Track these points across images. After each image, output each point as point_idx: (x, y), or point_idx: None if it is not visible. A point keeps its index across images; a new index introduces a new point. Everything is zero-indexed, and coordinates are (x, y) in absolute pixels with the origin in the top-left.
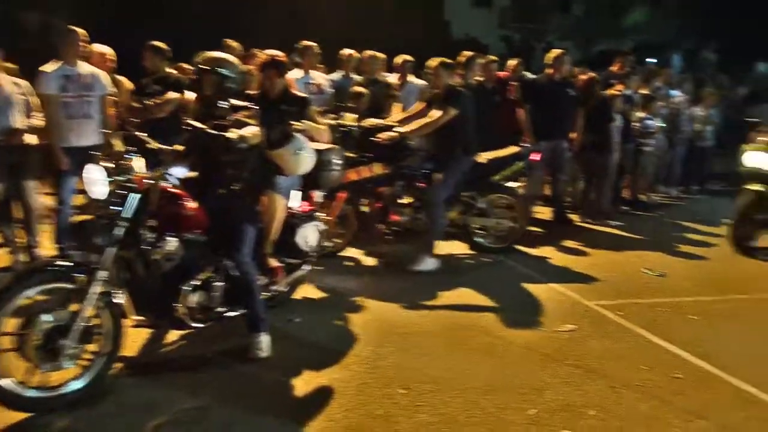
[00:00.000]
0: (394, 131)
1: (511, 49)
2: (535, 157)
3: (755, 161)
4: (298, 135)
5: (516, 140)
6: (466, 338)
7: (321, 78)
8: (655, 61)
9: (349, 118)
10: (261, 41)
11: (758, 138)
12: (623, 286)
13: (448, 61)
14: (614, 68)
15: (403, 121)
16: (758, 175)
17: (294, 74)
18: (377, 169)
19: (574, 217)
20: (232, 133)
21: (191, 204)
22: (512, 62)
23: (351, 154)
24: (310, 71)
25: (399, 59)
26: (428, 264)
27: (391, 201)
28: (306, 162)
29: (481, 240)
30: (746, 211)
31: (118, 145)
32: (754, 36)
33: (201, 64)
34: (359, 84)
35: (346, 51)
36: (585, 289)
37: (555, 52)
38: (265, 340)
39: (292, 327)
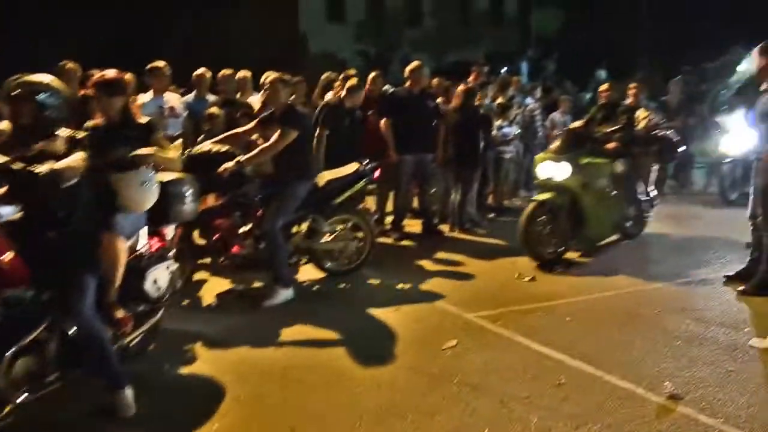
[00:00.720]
0: (235, 161)
1: (368, 63)
2: (377, 174)
3: (547, 172)
4: (142, 165)
5: (381, 155)
6: (349, 368)
7: (174, 100)
8: (504, 69)
9: (177, 146)
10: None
11: (550, 147)
12: (499, 295)
13: (286, 77)
14: (471, 79)
15: (227, 139)
16: (551, 186)
17: (145, 97)
18: (211, 200)
19: (444, 228)
20: (45, 167)
21: (6, 254)
22: (371, 75)
23: None
24: (164, 94)
25: (266, 78)
26: (283, 295)
27: (230, 233)
28: (151, 196)
29: (330, 264)
30: (530, 224)
31: None
32: (592, 45)
33: (13, 90)
34: (214, 105)
35: (200, 70)
36: (462, 301)
37: (413, 64)
38: (128, 395)
39: (158, 377)
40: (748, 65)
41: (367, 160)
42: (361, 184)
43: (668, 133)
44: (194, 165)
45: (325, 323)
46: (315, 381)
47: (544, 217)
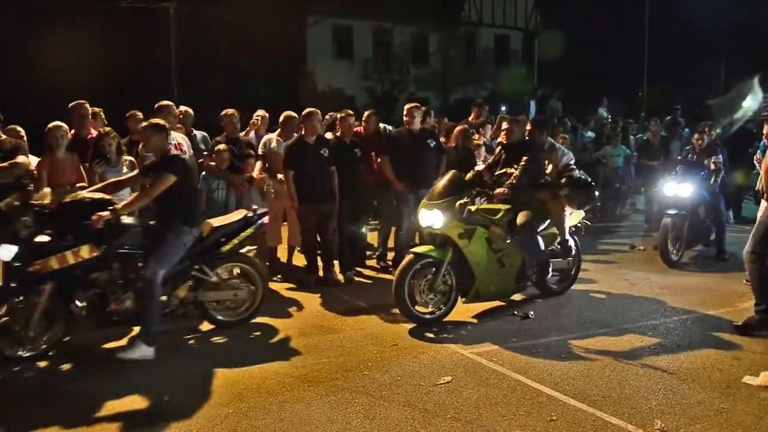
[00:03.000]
0: (108, 210)
1: (375, 100)
2: (266, 220)
3: (425, 221)
4: None
5: (383, 189)
6: (346, 401)
7: (180, 138)
8: (504, 108)
9: (45, 194)
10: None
11: (431, 191)
12: (495, 331)
13: (159, 122)
14: (471, 118)
15: (108, 187)
16: (433, 237)
17: None
18: (85, 252)
19: None
20: None
21: None
22: (365, 114)
23: (46, 237)
24: (171, 132)
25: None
26: (142, 351)
27: (108, 287)
28: None
29: (221, 316)
30: (404, 278)
31: None
32: (592, 84)
33: None
34: (220, 142)
35: (183, 107)
36: (458, 337)
37: (408, 104)
38: None
39: None
40: (752, 102)
41: (255, 207)
42: (250, 230)
43: (580, 175)
44: (66, 213)
45: (323, 354)
46: (310, 413)
47: (424, 271)
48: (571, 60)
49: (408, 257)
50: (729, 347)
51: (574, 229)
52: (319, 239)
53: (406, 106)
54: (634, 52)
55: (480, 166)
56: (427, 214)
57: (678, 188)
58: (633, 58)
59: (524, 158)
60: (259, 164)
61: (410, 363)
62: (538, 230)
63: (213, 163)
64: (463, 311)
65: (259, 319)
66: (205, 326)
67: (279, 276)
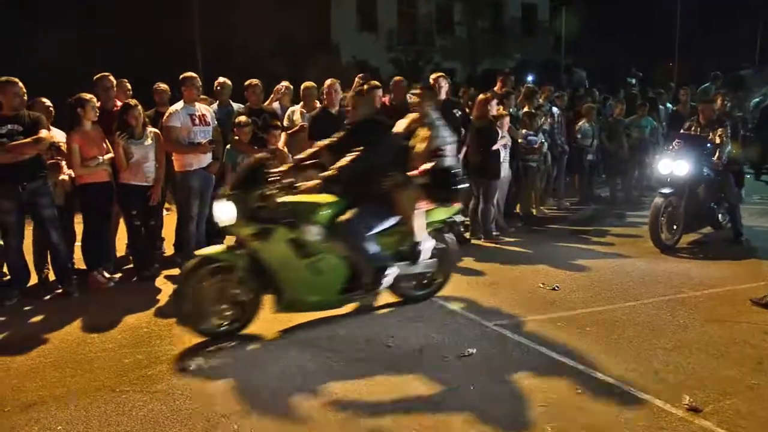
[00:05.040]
0: None
1: (400, 71)
2: None
3: (220, 214)
4: None
5: None
6: (368, 372)
7: (204, 109)
8: (530, 78)
9: None
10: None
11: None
12: (521, 304)
13: None
14: (497, 88)
15: None
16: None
17: (177, 105)
18: None
19: (467, 236)
20: None
21: None
22: (395, 79)
23: None
24: (194, 103)
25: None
26: None
27: None
28: None
29: None
30: (186, 282)
31: None
32: (620, 55)
33: None
34: (241, 114)
35: (220, 79)
36: (483, 309)
37: (434, 74)
38: None
39: None
40: None
41: None
42: None
43: (445, 163)
44: None
45: (343, 326)
46: (331, 389)
47: (215, 276)
48: (598, 30)
49: (193, 260)
50: (760, 322)
51: (445, 227)
52: None
53: (432, 76)
54: (665, 22)
55: (311, 149)
56: (219, 207)
57: (674, 165)
58: (664, 28)
59: (362, 145)
60: (283, 136)
61: (434, 335)
62: (380, 228)
63: (236, 138)
64: (487, 283)
65: None
66: None
67: None
